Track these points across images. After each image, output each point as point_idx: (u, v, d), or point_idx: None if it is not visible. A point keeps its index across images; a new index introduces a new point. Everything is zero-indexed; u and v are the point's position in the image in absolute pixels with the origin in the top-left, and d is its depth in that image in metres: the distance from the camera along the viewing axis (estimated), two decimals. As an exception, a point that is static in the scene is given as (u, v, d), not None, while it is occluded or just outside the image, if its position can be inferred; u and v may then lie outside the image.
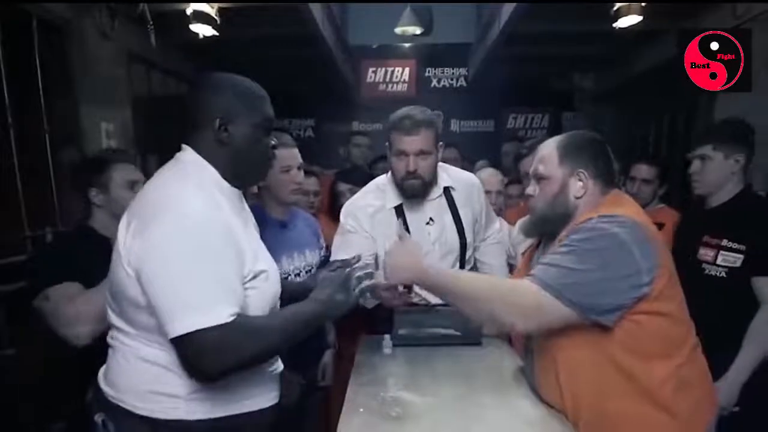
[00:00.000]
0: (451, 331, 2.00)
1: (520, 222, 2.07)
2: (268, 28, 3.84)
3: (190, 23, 2.96)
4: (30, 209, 2.51)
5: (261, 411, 1.29)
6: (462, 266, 2.11)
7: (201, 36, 3.05)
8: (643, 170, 2.80)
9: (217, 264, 1.13)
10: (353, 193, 2.74)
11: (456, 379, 1.65)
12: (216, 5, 3.00)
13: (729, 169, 2.00)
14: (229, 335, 1.11)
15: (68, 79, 2.75)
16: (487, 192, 2.62)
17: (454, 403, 1.50)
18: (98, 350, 1.58)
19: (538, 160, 1.48)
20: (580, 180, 1.40)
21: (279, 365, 1.38)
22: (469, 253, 2.12)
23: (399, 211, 2.04)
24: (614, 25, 3.27)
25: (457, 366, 1.77)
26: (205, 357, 1.10)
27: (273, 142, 1.34)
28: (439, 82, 7.45)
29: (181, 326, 1.08)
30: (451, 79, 7.41)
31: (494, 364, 1.80)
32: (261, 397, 1.30)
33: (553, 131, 7.09)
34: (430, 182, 2.01)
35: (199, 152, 1.24)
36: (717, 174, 2.02)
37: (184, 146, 1.26)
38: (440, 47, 6.99)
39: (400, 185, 2.00)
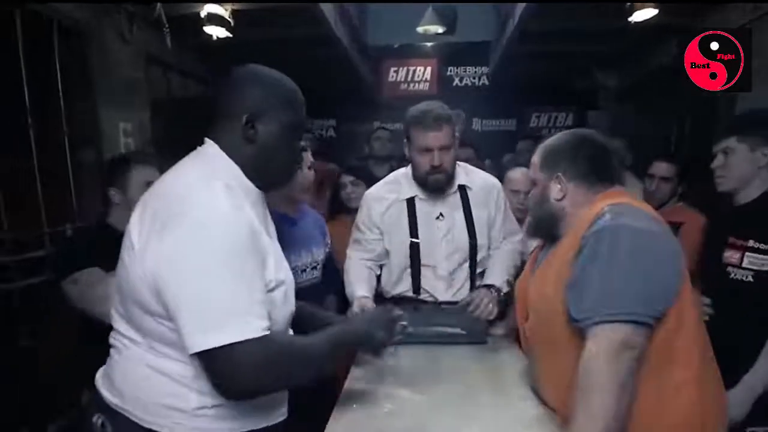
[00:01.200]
0: (456, 330, 1.99)
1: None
2: (282, 30, 3.89)
3: (204, 26, 3.02)
4: (49, 207, 2.59)
5: (266, 428, 1.21)
6: (472, 269, 2.10)
7: (215, 38, 3.11)
8: (662, 168, 2.73)
9: (245, 271, 1.04)
10: (355, 185, 2.81)
11: (456, 377, 1.65)
12: (229, 8, 3.06)
13: (755, 162, 1.83)
14: (266, 350, 1.03)
15: (88, 81, 2.84)
16: (516, 192, 2.60)
17: (450, 401, 1.49)
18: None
19: (531, 164, 1.51)
20: (558, 183, 1.40)
21: None
22: (481, 256, 2.09)
23: (410, 203, 2.06)
24: (630, 19, 3.21)
25: (458, 364, 1.77)
26: (240, 374, 1.02)
27: (303, 144, 1.29)
28: (461, 80, 7.40)
29: (211, 339, 0.99)
30: (473, 78, 7.35)
31: (497, 363, 1.79)
32: (270, 415, 1.22)
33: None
34: (452, 176, 2.03)
35: (223, 148, 1.16)
36: (742, 168, 1.85)
37: (206, 140, 1.18)
38: (462, 46, 6.93)
39: (424, 180, 2.01)
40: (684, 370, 1.21)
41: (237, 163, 1.16)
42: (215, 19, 3.00)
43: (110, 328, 1.58)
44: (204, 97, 4.37)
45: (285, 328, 1.24)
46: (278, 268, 1.18)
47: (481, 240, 2.08)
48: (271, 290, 1.13)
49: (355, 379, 1.66)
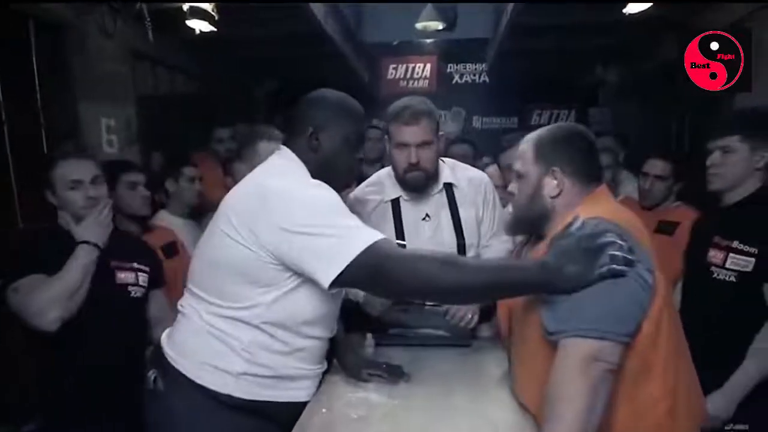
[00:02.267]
0: (440, 332, 1.93)
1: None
2: (271, 26, 3.83)
3: (187, 19, 2.97)
4: (25, 205, 2.54)
5: (297, 403, 1.39)
6: None
7: (198, 31, 3.06)
8: (656, 166, 2.65)
9: (341, 211, 1.24)
10: None
11: (433, 381, 1.58)
12: (212, 2, 3.00)
13: (753, 164, 1.79)
14: (389, 245, 1.20)
15: (66, 76, 2.78)
16: (495, 186, 2.53)
17: (424, 406, 1.43)
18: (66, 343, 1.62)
19: (516, 156, 1.40)
20: (555, 178, 1.30)
21: (324, 365, 1.49)
22: (470, 255, 2.00)
23: (395, 204, 1.98)
24: (624, 11, 3.15)
25: (438, 368, 1.70)
26: (386, 264, 1.16)
27: (360, 156, 1.48)
28: (461, 78, 7.34)
29: (335, 266, 1.15)
30: (473, 75, 7.28)
31: (479, 367, 1.72)
32: (301, 391, 1.40)
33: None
34: (433, 175, 1.94)
35: (295, 154, 1.39)
36: (738, 169, 1.81)
37: (282, 147, 1.43)
38: (462, 42, 6.87)
39: (402, 179, 1.93)
40: (661, 383, 1.16)
41: (306, 166, 1.38)
42: (198, 13, 2.94)
43: (48, 336, 1.60)
44: (193, 94, 4.34)
45: (333, 312, 1.43)
46: None
47: (470, 239, 2.00)
48: None
49: (329, 382, 1.59)
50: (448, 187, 2.00)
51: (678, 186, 2.68)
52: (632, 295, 1.12)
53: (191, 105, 4.24)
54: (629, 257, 1.10)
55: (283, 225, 1.20)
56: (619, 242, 1.11)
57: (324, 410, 1.41)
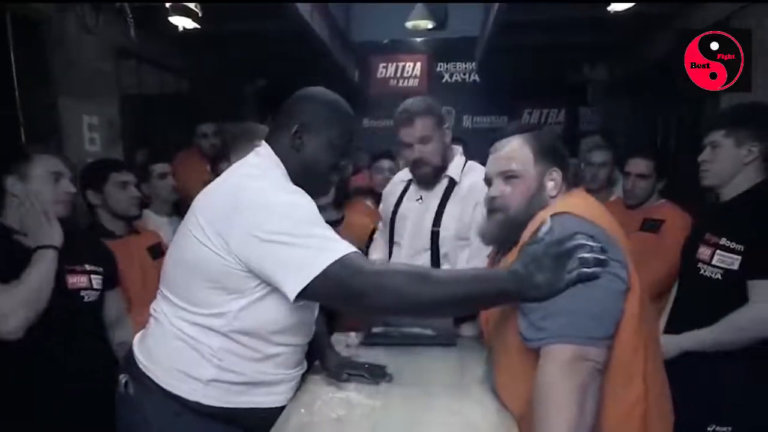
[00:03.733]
0: (426, 331, 1.92)
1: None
2: (257, 23, 3.80)
3: (169, 15, 2.94)
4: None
5: (273, 409, 1.34)
6: (434, 260, 2.02)
7: (181, 28, 3.02)
8: (638, 165, 2.65)
9: (315, 220, 1.19)
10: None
11: (415, 381, 1.56)
12: (195, -1, 2.98)
13: (741, 159, 1.80)
14: (360, 260, 1.15)
15: (46, 73, 2.74)
16: None
17: (403, 406, 1.41)
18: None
19: (506, 158, 1.37)
20: (553, 179, 1.33)
21: (303, 367, 1.46)
22: (444, 249, 2.02)
23: (408, 184, 2.18)
24: (608, 8, 3.15)
25: (421, 367, 1.68)
26: (353, 279, 1.12)
27: (343, 163, 1.40)
28: (451, 77, 7.32)
29: (322, 262, 1.11)
30: (463, 74, 7.27)
31: (462, 366, 1.71)
32: (278, 396, 1.37)
33: (569, 127, 6.93)
34: (440, 167, 2.04)
35: (276, 152, 1.33)
36: (726, 164, 1.82)
37: (262, 143, 1.36)
38: (452, 41, 6.88)
39: (413, 174, 2.10)
40: (639, 387, 1.16)
41: (285, 166, 1.32)
42: (180, 10, 2.90)
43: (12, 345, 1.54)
44: (179, 92, 4.30)
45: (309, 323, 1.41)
46: None
47: (445, 232, 2.02)
48: None
49: (310, 382, 1.57)
50: (451, 181, 2.06)
51: (661, 183, 2.68)
52: (609, 295, 1.11)
53: (177, 103, 4.20)
54: (601, 257, 1.09)
55: (254, 232, 1.15)
56: (590, 244, 1.09)
57: (303, 410, 1.39)
